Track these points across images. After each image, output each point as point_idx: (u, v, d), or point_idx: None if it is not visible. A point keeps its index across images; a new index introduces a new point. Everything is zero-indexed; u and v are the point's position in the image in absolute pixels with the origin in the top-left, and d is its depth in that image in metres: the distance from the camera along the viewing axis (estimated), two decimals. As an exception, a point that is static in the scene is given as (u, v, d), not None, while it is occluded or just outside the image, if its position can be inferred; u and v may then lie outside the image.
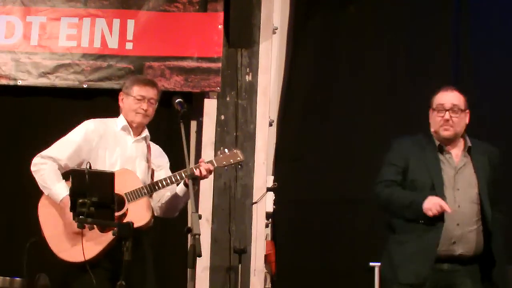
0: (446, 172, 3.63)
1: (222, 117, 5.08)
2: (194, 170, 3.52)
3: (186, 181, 3.56)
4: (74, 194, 3.11)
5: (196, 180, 3.56)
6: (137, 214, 3.54)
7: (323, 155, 5.14)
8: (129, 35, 5.09)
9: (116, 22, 5.10)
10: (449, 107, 3.67)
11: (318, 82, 5.27)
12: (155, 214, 3.76)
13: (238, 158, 3.68)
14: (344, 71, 5.25)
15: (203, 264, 4.83)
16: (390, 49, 5.24)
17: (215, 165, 3.62)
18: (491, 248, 3.57)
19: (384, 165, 3.76)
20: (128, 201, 3.55)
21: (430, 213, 3.48)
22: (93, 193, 3.09)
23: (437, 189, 3.57)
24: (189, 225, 2.99)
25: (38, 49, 5.08)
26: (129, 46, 5.08)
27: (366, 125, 5.11)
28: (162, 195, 3.74)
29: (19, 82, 5.07)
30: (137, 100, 3.74)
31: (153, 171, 3.80)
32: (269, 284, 5.04)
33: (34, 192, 4.95)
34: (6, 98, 5.12)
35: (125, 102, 3.80)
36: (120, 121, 3.81)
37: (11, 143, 5.10)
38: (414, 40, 5.23)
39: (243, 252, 4.83)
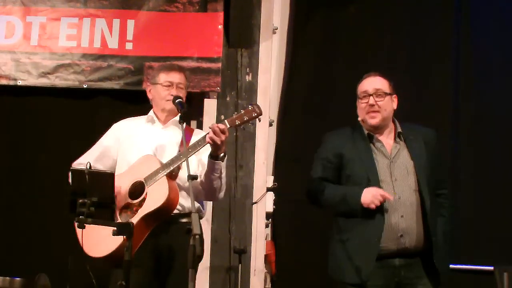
0: (380, 163, 3.55)
1: (222, 117, 5.07)
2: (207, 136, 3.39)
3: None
4: (74, 194, 3.11)
5: (216, 152, 3.45)
6: (155, 195, 3.46)
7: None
8: (129, 35, 5.09)
9: (116, 22, 5.10)
10: (372, 91, 3.62)
11: (318, 82, 5.26)
12: (201, 199, 3.68)
13: (254, 114, 3.45)
14: (344, 71, 5.24)
15: (203, 264, 4.82)
16: (390, 49, 5.24)
17: (228, 125, 3.42)
18: (431, 238, 3.48)
19: (314, 161, 3.70)
20: (148, 185, 3.49)
21: (373, 206, 3.38)
22: (93, 193, 3.09)
23: (372, 182, 3.47)
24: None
25: (38, 49, 5.09)
26: (129, 46, 5.08)
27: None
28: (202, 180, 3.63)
29: (19, 82, 5.07)
30: (165, 87, 3.71)
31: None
32: (269, 284, 5.04)
33: (34, 192, 4.98)
34: (6, 98, 5.12)
35: (153, 92, 3.77)
36: (148, 115, 3.80)
37: (11, 143, 5.10)
38: (414, 40, 5.22)
39: (243, 252, 4.83)
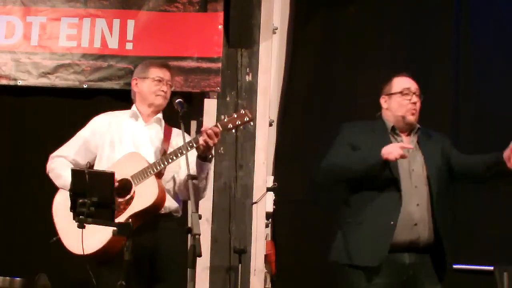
0: None
1: (222, 117, 5.07)
2: (199, 138, 3.42)
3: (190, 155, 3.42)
4: (74, 194, 3.11)
5: (205, 153, 3.47)
6: (143, 195, 3.46)
7: (323, 155, 5.13)
8: (129, 35, 5.09)
9: (116, 22, 5.10)
10: (414, 90, 3.71)
11: (318, 82, 5.27)
12: (181, 199, 3.68)
13: (246, 118, 3.49)
14: (344, 71, 5.25)
15: (203, 264, 4.84)
16: (390, 49, 5.24)
17: (220, 128, 3.46)
18: (440, 236, 3.53)
19: (332, 148, 3.72)
20: (135, 184, 3.48)
21: (392, 157, 3.40)
22: (93, 193, 3.08)
23: (392, 169, 3.51)
24: (189, 225, 2.99)
25: (38, 49, 5.09)
26: (129, 46, 5.08)
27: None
28: (180, 179, 3.65)
29: (19, 82, 5.07)
30: (156, 82, 3.70)
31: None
32: (269, 284, 5.04)
33: (34, 192, 4.99)
34: (6, 98, 5.12)
35: (141, 86, 3.75)
36: (130, 110, 3.79)
37: (11, 143, 5.10)
38: (414, 40, 5.23)
39: (243, 252, 4.83)
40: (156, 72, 3.73)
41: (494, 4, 5.20)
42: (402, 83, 3.74)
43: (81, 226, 3.11)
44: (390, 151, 3.43)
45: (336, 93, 5.22)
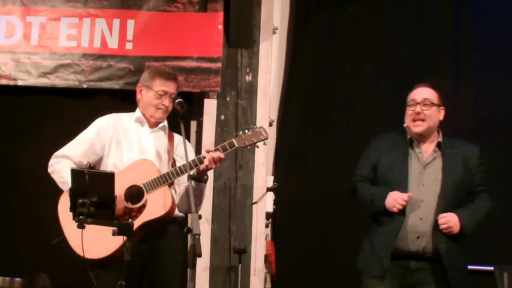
0: (413, 168, 3.70)
1: (222, 117, 5.08)
2: (202, 159, 3.44)
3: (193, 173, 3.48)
4: (74, 194, 3.11)
5: (201, 176, 3.50)
6: (156, 204, 3.47)
7: (323, 155, 5.14)
8: (129, 35, 5.09)
9: (116, 22, 5.10)
10: (420, 100, 3.74)
11: (318, 82, 5.27)
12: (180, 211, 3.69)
13: (262, 136, 3.54)
14: (344, 71, 5.25)
15: (203, 264, 4.84)
16: (390, 49, 5.24)
17: (236, 145, 3.49)
18: (438, 249, 3.62)
19: (360, 159, 3.90)
20: (147, 191, 3.48)
21: (395, 210, 3.58)
22: (93, 193, 3.08)
23: (401, 185, 3.64)
24: (189, 225, 3.00)
25: (38, 49, 5.09)
26: (129, 46, 5.08)
27: (366, 125, 5.11)
28: (180, 191, 3.67)
29: (19, 82, 5.07)
30: (158, 96, 3.66)
31: (174, 161, 3.71)
32: (269, 284, 5.05)
33: (34, 191, 4.99)
34: (6, 98, 5.12)
35: (145, 95, 3.71)
36: (135, 114, 3.76)
37: (11, 143, 5.10)
38: (415, 40, 5.23)
39: (243, 252, 4.83)
40: (161, 85, 3.66)
41: (494, 4, 5.19)
42: (411, 95, 3.80)
43: (81, 226, 3.10)
44: (393, 205, 3.58)
45: (336, 93, 5.22)
